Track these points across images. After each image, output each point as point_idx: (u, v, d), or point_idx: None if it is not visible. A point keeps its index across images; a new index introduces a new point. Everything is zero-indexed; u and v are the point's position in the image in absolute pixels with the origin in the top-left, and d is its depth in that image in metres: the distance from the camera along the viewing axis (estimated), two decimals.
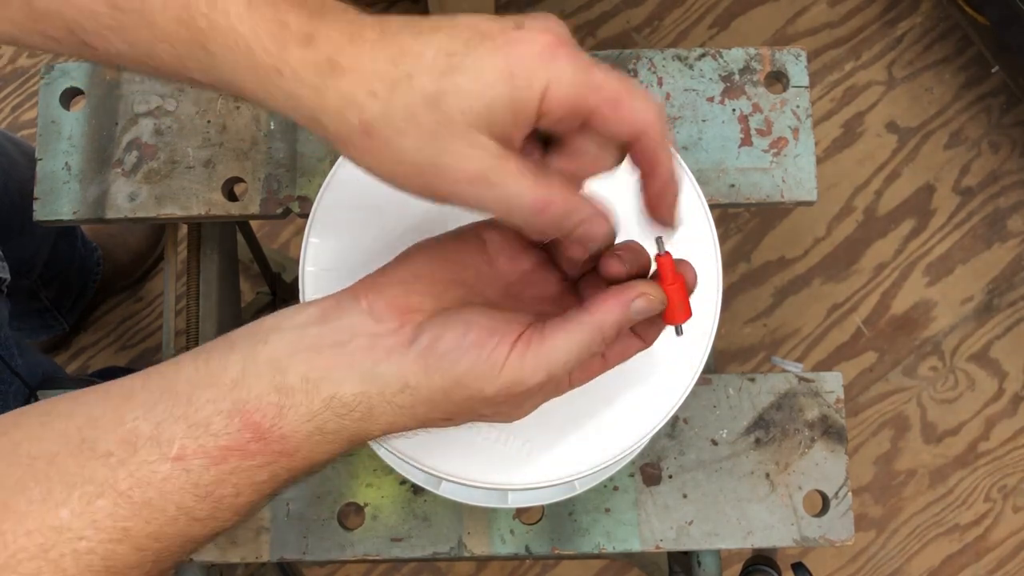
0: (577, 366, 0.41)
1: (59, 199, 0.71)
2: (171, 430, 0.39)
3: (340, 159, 0.56)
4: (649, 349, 0.45)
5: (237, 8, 0.39)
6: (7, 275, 0.82)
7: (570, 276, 0.47)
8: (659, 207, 0.42)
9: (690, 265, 0.44)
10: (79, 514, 0.37)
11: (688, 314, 0.43)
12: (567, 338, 0.40)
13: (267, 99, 0.40)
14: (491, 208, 0.40)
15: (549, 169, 0.41)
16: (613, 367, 0.45)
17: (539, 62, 0.37)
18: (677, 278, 0.42)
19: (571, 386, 0.44)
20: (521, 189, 0.39)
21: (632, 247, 0.44)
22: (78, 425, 0.40)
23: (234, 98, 0.72)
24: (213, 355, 0.41)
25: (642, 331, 0.44)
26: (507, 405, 0.41)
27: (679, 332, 0.43)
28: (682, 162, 0.57)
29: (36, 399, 0.69)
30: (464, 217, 0.55)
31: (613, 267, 0.43)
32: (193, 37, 0.39)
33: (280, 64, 0.38)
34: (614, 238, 0.42)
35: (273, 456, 0.40)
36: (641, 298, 0.41)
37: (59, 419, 0.40)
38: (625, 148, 0.41)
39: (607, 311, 0.41)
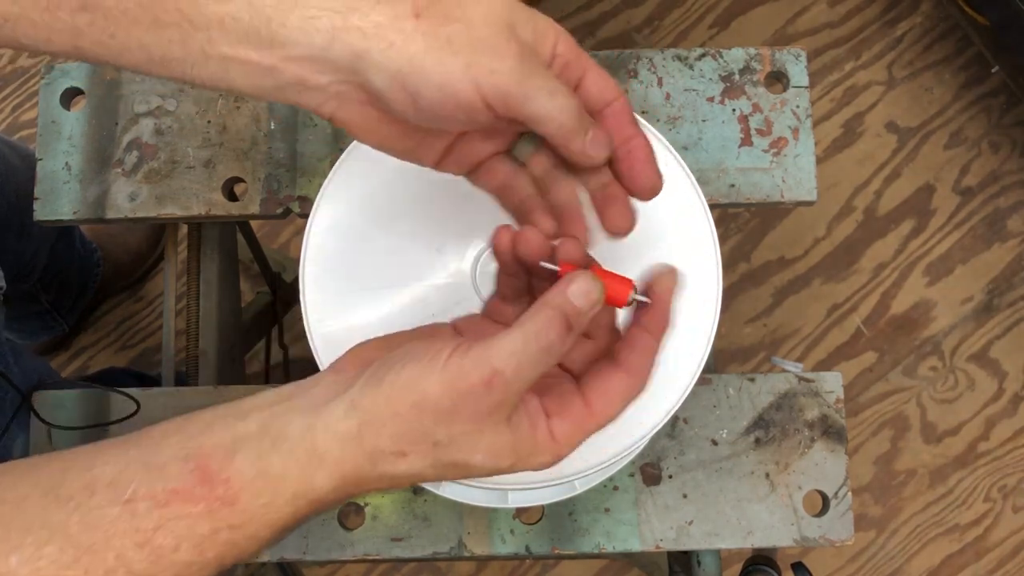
0: (527, 363, 0.38)
1: (59, 199, 0.71)
2: (130, 474, 0.38)
3: (340, 159, 0.56)
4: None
5: None
6: (3, 283, 0.82)
7: None
8: (643, 170, 0.43)
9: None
10: (26, 560, 0.37)
11: (625, 287, 0.42)
12: (511, 333, 0.38)
13: (295, 5, 0.40)
14: (539, 85, 0.40)
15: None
16: (602, 418, 0.41)
17: (549, 20, 0.42)
18: (595, 270, 0.42)
19: (556, 441, 0.40)
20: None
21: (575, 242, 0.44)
22: (52, 471, 0.39)
23: (234, 98, 0.72)
24: (195, 412, 0.41)
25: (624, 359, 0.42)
26: (460, 420, 0.38)
27: (631, 302, 0.42)
28: (682, 162, 0.57)
29: (31, 406, 0.69)
30: (466, 212, 0.55)
31: (569, 247, 0.42)
32: None
33: None
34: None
35: (215, 503, 0.38)
36: (576, 281, 0.39)
37: (41, 466, 0.40)
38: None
39: (545, 298, 0.39)
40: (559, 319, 0.39)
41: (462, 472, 0.40)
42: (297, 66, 0.41)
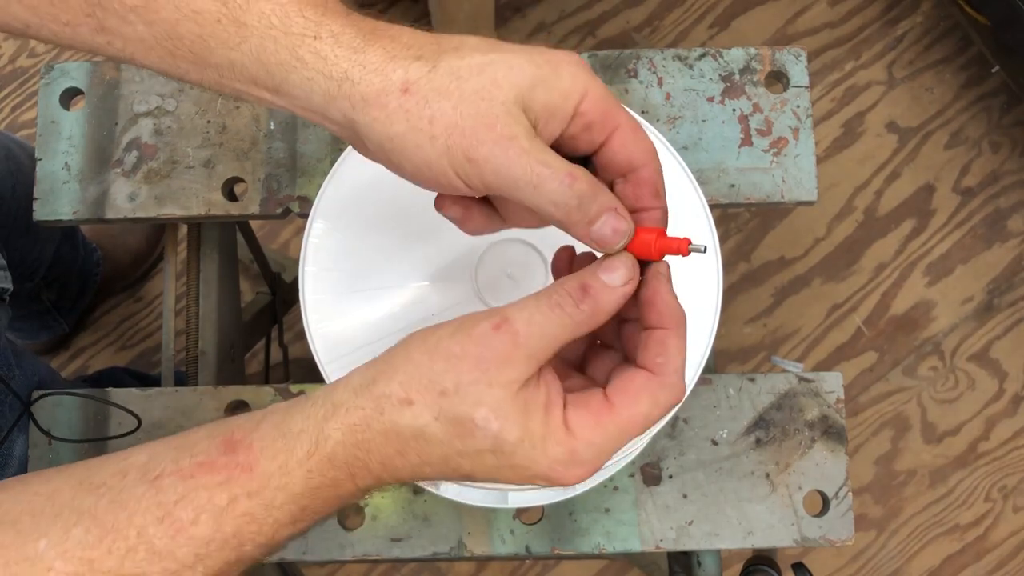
0: (540, 322, 0.38)
1: (59, 199, 0.71)
2: (162, 456, 0.40)
3: (340, 160, 0.56)
4: None
5: None
6: (9, 285, 0.82)
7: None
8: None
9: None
10: (55, 543, 0.37)
11: (663, 247, 0.40)
12: (528, 297, 0.39)
13: (296, 66, 0.40)
14: (518, 176, 0.38)
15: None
16: (625, 417, 0.40)
17: (580, 70, 0.40)
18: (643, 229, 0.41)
19: (570, 432, 0.39)
20: (551, 158, 0.39)
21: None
22: (88, 464, 0.41)
23: (234, 98, 0.72)
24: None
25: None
26: (467, 365, 0.38)
27: (690, 252, 0.41)
28: (682, 162, 0.57)
29: (31, 412, 0.68)
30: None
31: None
32: (227, 11, 0.40)
33: (319, 28, 0.40)
34: (631, 238, 0.41)
35: (234, 471, 0.39)
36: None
37: (77, 464, 0.41)
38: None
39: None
40: (576, 285, 0.39)
41: (466, 432, 0.38)
42: (305, 112, 0.42)
